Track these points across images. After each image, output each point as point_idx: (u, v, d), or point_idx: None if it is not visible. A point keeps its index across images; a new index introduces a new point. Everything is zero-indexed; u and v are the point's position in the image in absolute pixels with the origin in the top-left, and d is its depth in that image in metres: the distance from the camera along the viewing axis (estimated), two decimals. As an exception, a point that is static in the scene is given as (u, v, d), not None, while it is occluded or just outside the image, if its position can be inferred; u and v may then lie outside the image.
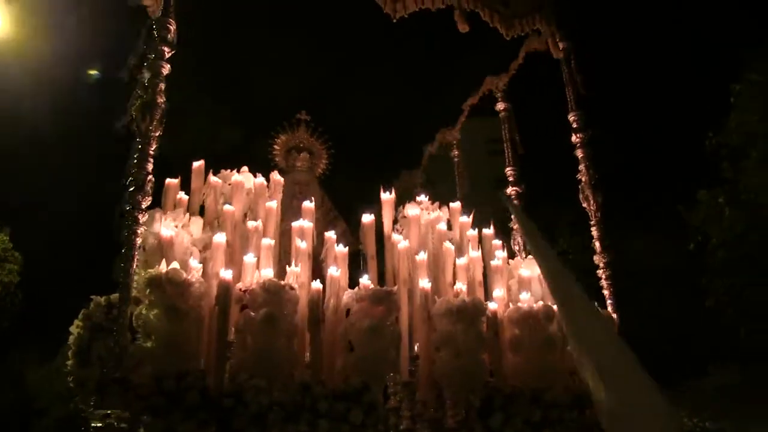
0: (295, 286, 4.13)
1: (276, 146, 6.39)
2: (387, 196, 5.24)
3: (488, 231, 5.44)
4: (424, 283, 4.54)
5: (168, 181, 4.90)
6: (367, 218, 5.10)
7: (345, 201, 6.36)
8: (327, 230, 5.05)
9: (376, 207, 5.25)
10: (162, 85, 4.30)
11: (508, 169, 6.26)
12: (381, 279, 4.81)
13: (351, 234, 5.86)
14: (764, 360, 12.89)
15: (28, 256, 17.43)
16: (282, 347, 3.91)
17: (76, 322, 4.15)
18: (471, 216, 5.44)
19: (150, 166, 4.09)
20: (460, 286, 4.66)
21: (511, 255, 5.56)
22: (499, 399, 4.15)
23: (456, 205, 5.55)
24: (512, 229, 5.99)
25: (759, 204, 12.22)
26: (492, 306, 4.57)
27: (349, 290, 4.28)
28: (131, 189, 4.02)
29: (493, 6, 5.40)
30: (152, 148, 4.13)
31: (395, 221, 5.29)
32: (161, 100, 4.26)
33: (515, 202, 5.62)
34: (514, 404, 4.16)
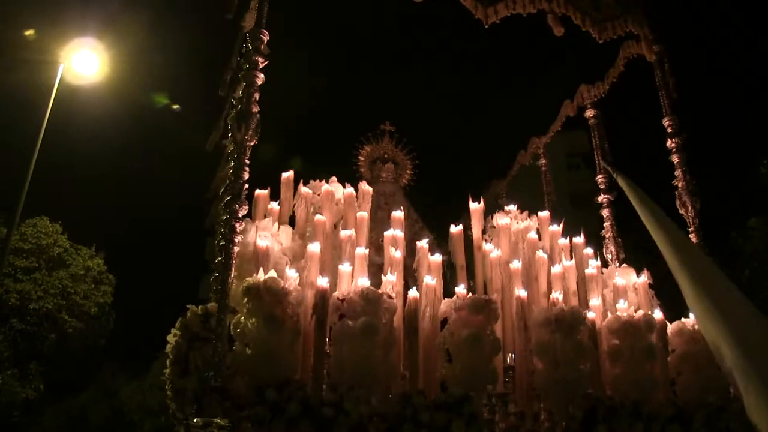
0: (393, 294, 4.06)
1: (361, 157, 6.36)
2: (476, 206, 5.15)
3: (579, 240, 5.30)
4: (521, 292, 4.42)
5: (258, 192, 4.89)
6: (456, 228, 5.02)
7: (430, 212, 6.28)
8: (413, 242, 4.99)
9: (462, 217, 5.17)
10: (257, 95, 4.30)
11: (599, 177, 6.09)
12: (471, 289, 4.71)
13: (437, 245, 5.77)
14: None
15: (120, 278, 18.84)
16: (380, 357, 3.82)
17: (174, 331, 4.14)
18: (561, 225, 5.31)
19: (246, 176, 4.08)
20: (557, 295, 4.51)
21: (604, 264, 5.40)
22: (602, 410, 3.98)
23: (545, 214, 5.43)
24: (604, 238, 5.84)
25: None
26: (590, 315, 4.41)
27: (447, 299, 4.19)
28: (228, 198, 4.01)
29: (585, 9, 5.28)
30: (247, 159, 4.12)
31: (483, 231, 5.20)
32: (256, 109, 4.25)
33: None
34: (616, 416, 3.99)
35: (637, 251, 5.81)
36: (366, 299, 3.89)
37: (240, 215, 3.99)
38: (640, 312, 4.43)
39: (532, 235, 5.10)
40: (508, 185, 7.07)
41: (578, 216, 5.55)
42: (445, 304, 4.15)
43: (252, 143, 4.18)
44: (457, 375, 3.91)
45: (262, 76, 4.34)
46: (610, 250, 5.76)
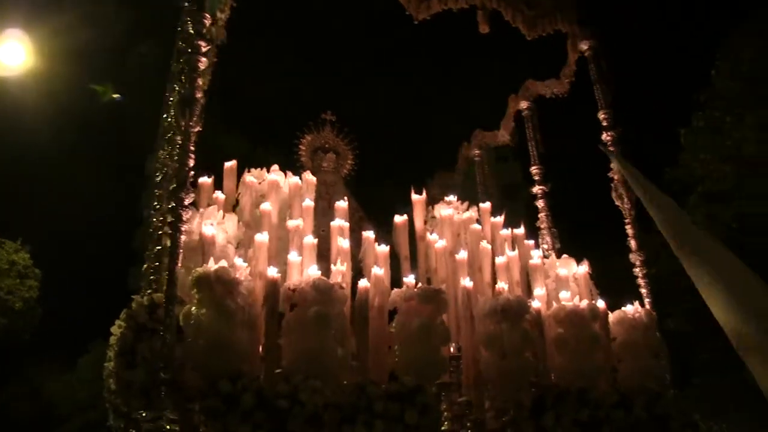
0: (344, 285, 4.02)
1: (302, 146, 6.27)
2: (418, 197, 5.15)
3: (519, 231, 5.37)
4: (466, 282, 4.44)
5: (201, 180, 4.77)
6: (400, 218, 5.01)
7: (370, 202, 6.24)
8: (353, 233, 4.95)
9: (404, 209, 5.16)
10: (200, 80, 4.18)
11: (533, 168, 6.17)
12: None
13: (379, 236, 5.75)
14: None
15: (46, 273, 18.30)
16: (332, 347, 3.78)
17: (118, 322, 3.99)
18: (503, 216, 5.37)
19: (191, 162, 3.97)
20: (502, 285, 4.55)
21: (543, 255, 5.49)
22: (550, 398, 4.05)
23: (486, 205, 5.48)
24: (539, 228, 5.93)
25: None
26: (535, 304, 4.47)
27: (396, 289, 4.17)
28: (174, 186, 3.90)
29: (517, 6, 5.33)
30: (192, 145, 4.01)
31: (425, 222, 5.21)
32: (200, 95, 4.14)
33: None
34: (563, 404, 4.06)
35: (575, 242, 5.92)
36: (317, 289, 3.83)
37: (186, 203, 3.88)
38: (585, 302, 4.51)
39: (476, 226, 5.13)
40: (458, 176, 7.10)
41: (508, 208, 5.59)
42: (395, 294, 4.13)
43: (196, 129, 4.07)
44: (408, 365, 3.91)
45: (205, 60, 4.23)
46: (546, 241, 5.86)
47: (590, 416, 4.07)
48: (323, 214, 5.63)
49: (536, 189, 6.13)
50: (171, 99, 4.28)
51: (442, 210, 5.17)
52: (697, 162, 13.35)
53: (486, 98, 6.58)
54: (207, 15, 4.33)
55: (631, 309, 4.64)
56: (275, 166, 4.99)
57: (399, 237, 4.99)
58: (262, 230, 4.34)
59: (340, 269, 4.22)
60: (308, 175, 5.13)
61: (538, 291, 4.67)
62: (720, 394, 13.01)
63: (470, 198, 5.67)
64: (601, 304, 4.60)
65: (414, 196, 5.15)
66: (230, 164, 4.98)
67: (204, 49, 4.25)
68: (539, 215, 6.02)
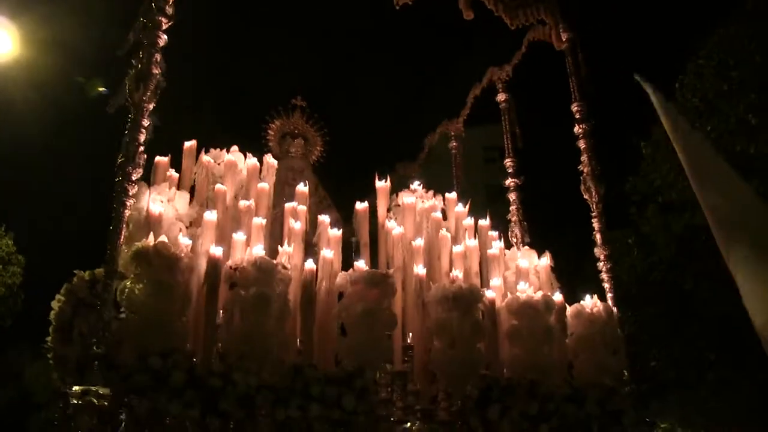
0: (288, 265, 3.95)
1: (270, 131, 6.21)
2: (382, 184, 5.08)
3: (484, 222, 5.29)
4: (419, 269, 4.37)
5: (158, 158, 4.70)
6: (361, 205, 4.94)
7: (339, 189, 6.18)
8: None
9: (370, 197, 5.09)
10: (158, 56, 4.12)
11: (507, 160, 6.11)
12: (375, 267, 4.64)
13: (344, 223, 5.68)
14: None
15: (29, 258, 18.15)
16: (272, 328, 3.71)
17: (58, 297, 3.94)
18: (467, 206, 5.29)
19: (142, 138, 3.91)
20: (457, 273, 4.47)
21: (508, 247, 5.41)
22: (497, 390, 3.96)
23: (452, 195, 5.40)
24: (509, 221, 5.85)
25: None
26: (489, 294, 4.39)
27: (343, 272, 4.11)
28: (122, 160, 3.83)
29: (498, -7, 5.26)
30: (145, 120, 3.95)
31: (389, 210, 5.14)
32: (156, 71, 4.08)
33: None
34: (511, 396, 3.98)
35: (546, 236, 5.88)
36: (259, 269, 3.77)
37: (133, 178, 3.82)
38: (540, 293, 4.43)
39: (437, 214, 5.05)
40: (421, 166, 7.04)
41: (492, 208, 5.53)
42: (341, 277, 4.07)
43: (150, 105, 4.01)
44: (352, 349, 3.84)
45: (165, 37, 4.17)
46: (514, 233, 5.79)
47: (540, 409, 3.99)
48: (290, 199, 5.57)
49: (509, 182, 6.07)
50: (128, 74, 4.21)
51: (405, 198, 5.10)
52: (657, 173, 13.45)
53: (456, 87, 6.51)
54: (167, -7, 4.28)
55: (589, 303, 4.56)
56: (235, 147, 4.93)
57: (360, 223, 4.92)
58: (216, 209, 4.30)
59: (287, 250, 4.15)
60: (269, 158, 5.07)
61: (494, 281, 4.59)
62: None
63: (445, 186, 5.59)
64: (558, 297, 4.52)
65: (378, 183, 5.08)
66: (189, 144, 4.92)
67: (164, 26, 4.21)
68: (510, 207, 5.95)
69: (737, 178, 4.22)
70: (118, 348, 3.50)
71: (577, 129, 5.23)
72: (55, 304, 3.94)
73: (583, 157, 5.14)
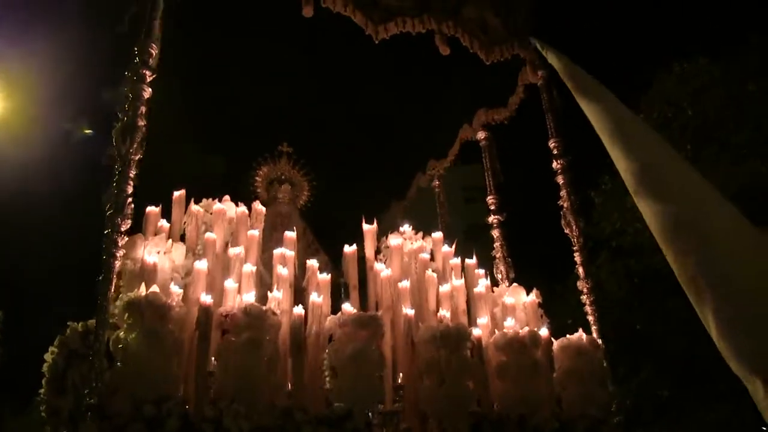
0: (277, 311, 4.04)
1: (258, 178, 6.35)
2: (369, 227, 5.20)
3: (471, 261, 5.40)
4: (408, 310, 4.47)
5: (149, 209, 4.82)
6: (349, 248, 5.05)
7: (327, 233, 6.30)
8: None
9: (359, 239, 5.21)
10: (143, 109, 4.25)
11: (489, 197, 6.25)
12: (364, 309, 4.74)
13: (333, 267, 5.78)
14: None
15: (8, 313, 18.18)
16: (263, 373, 3.79)
17: (51, 349, 4.01)
18: (453, 245, 5.41)
19: (130, 189, 4.02)
20: (444, 313, 4.58)
21: (495, 284, 5.52)
22: (487, 425, 4.05)
23: (438, 235, 5.52)
24: (494, 258, 5.96)
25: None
26: (476, 332, 4.49)
27: (332, 316, 4.20)
28: (110, 212, 3.93)
29: (473, 32, 5.44)
30: (132, 172, 4.06)
31: (378, 251, 5.25)
32: (142, 123, 4.20)
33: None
34: (501, 430, 4.07)
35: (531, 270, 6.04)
36: (249, 315, 3.86)
37: (122, 229, 3.92)
38: (526, 328, 4.53)
39: (425, 255, 5.17)
40: (407, 207, 7.17)
41: (475, 247, 5.66)
42: (330, 320, 4.15)
43: (137, 157, 4.13)
44: (342, 391, 3.90)
45: (149, 90, 4.31)
46: (500, 270, 5.90)
47: (529, 443, 4.08)
48: (278, 244, 5.68)
49: (492, 219, 6.20)
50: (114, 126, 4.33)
51: (392, 240, 5.21)
52: (607, 221, 14.32)
53: (443, 128, 6.67)
54: (153, 45, 4.43)
55: (575, 336, 4.66)
56: (226, 197, 5.06)
57: (348, 266, 5.04)
58: (207, 259, 4.42)
59: (276, 296, 4.24)
60: (258, 205, 5.19)
61: (481, 320, 4.70)
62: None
63: (426, 226, 5.72)
64: (544, 331, 4.63)
65: (365, 226, 5.20)
66: (178, 194, 5.04)
67: (149, 78, 4.34)
68: (494, 245, 6.08)
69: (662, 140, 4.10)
70: (112, 398, 3.57)
71: (555, 165, 5.37)
72: (48, 356, 4.01)
73: (562, 192, 5.28)
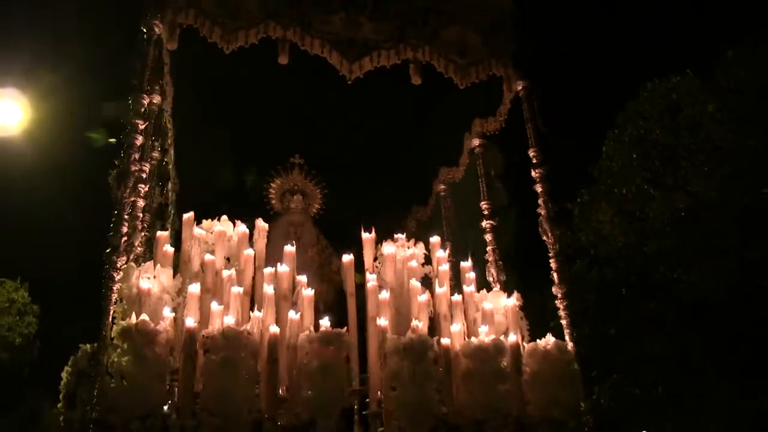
0: (252, 331, 4.72)
1: (271, 190, 7.05)
2: (367, 235, 5.80)
3: (465, 264, 5.93)
4: (381, 321, 5.06)
5: (159, 233, 5.60)
6: (347, 258, 5.69)
7: (340, 239, 6.90)
8: (323, 268, 5.66)
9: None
10: (136, 155, 4.97)
11: (483, 203, 6.70)
12: (363, 315, 5.39)
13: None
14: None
15: (44, 308, 21.09)
16: (239, 388, 4.50)
17: (66, 368, 4.87)
18: (447, 250, 5.93)
19: (125, 229, 4.77)
20: (416, 323, 5.12)
21: (487, 286, 6.03)
22: (443, 429, 4.63)
23: (435, 239, 6.05)
24: (487, 261, 6.44)
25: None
26: (445, 341, 5.03)
27: (303, 333, 4.85)
28: (108, 250, 4.71)
29: (449, 57, 5.88)
30: (126, 213, 4.81)
31: (376, 259, 5.84)
32: (135, 168, 4.94)
33: None
34: (456, 434, 4.64)
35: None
36: (226, 337, 4.57)
37: (118, 266, 4.68)
38: (491, 337, 5.05)
39: (413, 263, 5.72)
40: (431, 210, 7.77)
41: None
42: (302, 337, 4.81)
43: (131, 200, 4.87)
44: (310, 401, 4.57)
45: (141, 138, 5.02)
46: (491, 273, 6.37)
47: (486, 446, 4.64)
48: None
49: (485, 223, 6.65)
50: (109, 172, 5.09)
51: (385, 248, 5.79)
52: (582, 232, 15.77)
53: (452, 136, 7.16)
54: (145, 96, 5.15)
55: (543, 342, 5.13)
56: (224, 216, 5.76)
57: (347, 275, 5.69)
58: (206, 280, 5.17)
59: (258, 315, 4.92)
60: (260, 222, 5.86)
61: (454, 327, 5.23)
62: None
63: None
64: (512, 338, 5.13)
65: (364, 235, 5.80)
66: (188, 216, 5.77)
67: (141, 127, 5.07)
68: (487, 248, 6.54)
69: None
70: (109, 413, 4.36)
71: (534, 174, 5.80)
72: (64, 374, 4.87)
73: (540, 200, 5.71)
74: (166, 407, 4.50)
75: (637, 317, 14.61)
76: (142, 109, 5.11)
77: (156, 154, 6.34)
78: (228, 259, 5.60)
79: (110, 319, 4.59)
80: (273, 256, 5.83)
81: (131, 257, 5.13)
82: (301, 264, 6.63)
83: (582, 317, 14.75)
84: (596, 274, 15.61)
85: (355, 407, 5.13)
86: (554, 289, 5.47)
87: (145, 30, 5.32)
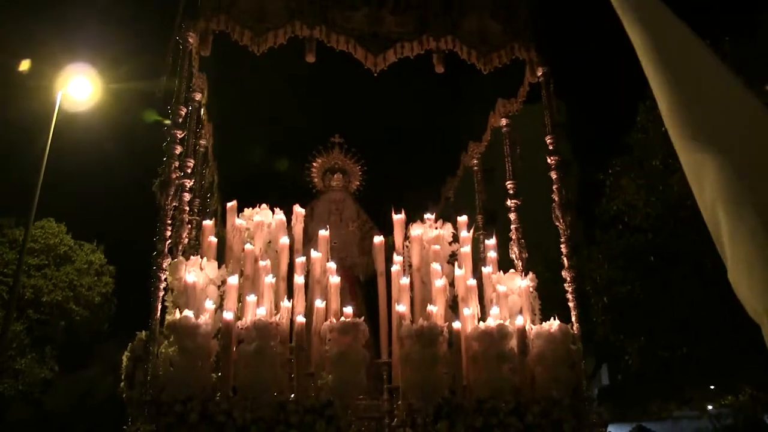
0: (281, 322, 5.56)
1: (313, 169, 7.80)
2: (398, 217, 6.50)
3: (490, 242, 6.59)
4: (400, 307, 5.82)
5: (205, 223, 6.47)
6: (378, 239, 6.44)
7: (380, 213, 7.56)
8: (364, 241, 6.46)
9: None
10: (176, 164, 5.78)
11: (508, 183, 7.22)
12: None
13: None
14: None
15: (120, 269, 24.46)
16: (269, 374, 5.38)
17: (126, 353, 5.85)
18: (471, 231, 6.58)
19: (168, 233, 5.64)
20: (431, 308, 5.83)
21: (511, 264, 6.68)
22: (447, 408, 5.41)
23: (463, 219, 6.70)
24: (510, 239, 7.02)
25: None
26: (456, 325, 5.74)
27: (326, 322, 5.66)
28: (153, 254, 5.59)
29: (472, 43, 6.36)
30: (169, 219, 5.66)
31: (406, 238, 6.55)
32: (175, 176, 5.76)
33: None
34: (460, 413, 5.40)
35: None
36: (257, 328, 5.45)
37: (164, 266, 5.57)
38: (498, 321, 5.74)
39: (436, 246, 6.40)
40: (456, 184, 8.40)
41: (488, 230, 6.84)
42: (324, 326, 5.63)
43: (173, 204, 5.72)
44: (330, 385, 5.42)
45: (180, 148, 5.82)
46: (514, 251, 6.94)
47: (484, 422, 5.40)
48: (335, 226, 7.18)
49: (510, 203, 7.19)
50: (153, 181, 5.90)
51: (413, 230, 6.48)
52: (614, 202, 16.95)
53: (478, 114, 7.67)
54: (182, 107, 5.93)
55: (548, 324, 5.79)
56: (264, 205, 6.56)
57: (377, 255, 6.45)
58: (245, 268, 6.04)
59: (287, 305, 5.76)
60: (297, 208, 6.63)
61: (466, 311, 5.93)
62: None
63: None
64: (519, 320, 5.80)
65: (394, 216, 6.51)
66: (231, 204, 6.58)
67: (179, 137, 5.86)
68: (510, 227, 7.08)
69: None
70: (159, 395, 5.33)
71: (549, 160, 6.30)
72: (124, 358, 5.86)
73: (554, 187, 6.23)
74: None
75: (665, 283, 15.41)
76: (179, 120, 5.88)
77: (203, 141, 7.17)
78: (270, 242, 6.42)
79: (158, 313, 5.51)
80: (316, 231, 6.59)
81: (180, 249, 6.04)
82: (344, 238, 7.46)
83: (609, 284, 16.53)
84: (625, 242, 16.66)
85: (385, 377, 5.91)
86: (564, 273, 6.04)
87: (180, 41, 6.05)
